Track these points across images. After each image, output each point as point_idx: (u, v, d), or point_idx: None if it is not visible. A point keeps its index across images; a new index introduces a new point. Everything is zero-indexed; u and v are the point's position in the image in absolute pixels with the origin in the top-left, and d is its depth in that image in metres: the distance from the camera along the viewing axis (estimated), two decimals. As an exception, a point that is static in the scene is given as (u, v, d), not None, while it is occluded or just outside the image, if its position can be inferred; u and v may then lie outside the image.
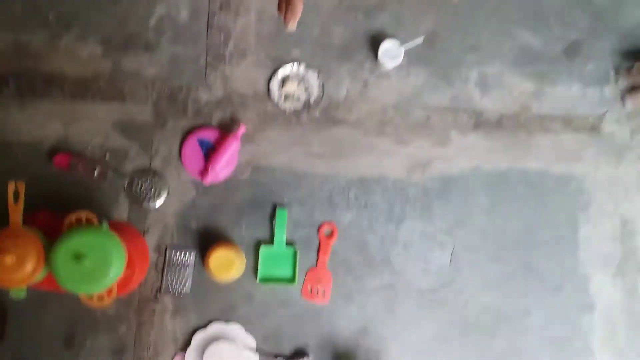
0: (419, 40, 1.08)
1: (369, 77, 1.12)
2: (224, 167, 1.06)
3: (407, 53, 1.09)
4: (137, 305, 1.05)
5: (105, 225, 0.91)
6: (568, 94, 1.12)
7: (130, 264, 0.94)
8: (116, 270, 0.88)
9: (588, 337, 1.06)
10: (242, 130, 1.06)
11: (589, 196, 1.09)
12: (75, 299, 0.91)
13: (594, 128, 1.11)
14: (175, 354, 1.04)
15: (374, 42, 1.12)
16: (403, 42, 1.08)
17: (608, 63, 1.13)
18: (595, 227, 1.09)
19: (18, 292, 0.93)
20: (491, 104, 1.12)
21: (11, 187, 0.94)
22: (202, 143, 1.07)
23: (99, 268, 0.87)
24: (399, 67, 1.12)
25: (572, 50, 1.13)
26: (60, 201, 1.06)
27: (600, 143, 1.11)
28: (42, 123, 1.09)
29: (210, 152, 1.07)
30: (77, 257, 0.86)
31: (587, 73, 1.12)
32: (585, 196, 1.09)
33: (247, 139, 1.09)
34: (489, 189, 1.10)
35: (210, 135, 1.08)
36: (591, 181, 1.10)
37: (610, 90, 1.12)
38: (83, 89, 1.10)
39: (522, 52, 1.13)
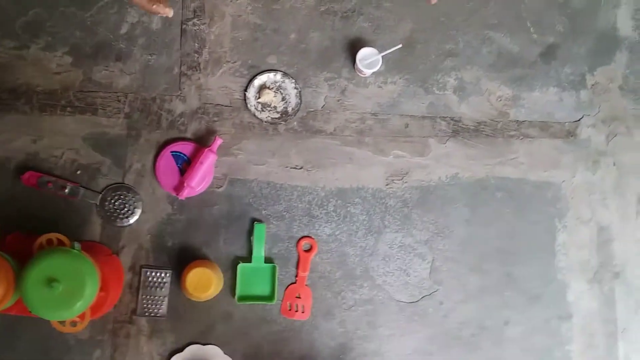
0: (397, 47, 1.06)
1: (347, 84, 1.09)
2: (200, 181, 1.03)
3: (385, 59, 1.07)
4: (111, 328, 1.02)
5: (77, 246, 0.88)
6: (545, 99, 1.12)
7: (104, 286, 0.91)
8: (89, 295, 0.85)
9: (567, 346, 1.07)
10: (218, 142, 1.03)
11: (567, 203, 1.10)
12: (47, 323, 0.87)
13: (570, 133, 1.11)
14: (152, 377, 1.02)
15: (352, 49, 1.09)
16: (381, 48, 1.06)
17: (584, 67, 1.12)
18: (572, 234, 1.09)
19: (-13, 319, 0.90)
20: (469, 110, 1.11)
21: (-23, 209, 0.91)
22: (177, 157, 1.04)
23: (72, 293, 0.84)
24: (377, 74, 1.10)
25: (549, 54, 1.12)
26: (29, 222, 1.02)
27: (577, 149, 1.11)
28: (9, 138, 1.04)
29: (185, 165, 1.04)
30: (49, 281, 0.83)
31: (563, 77, 1.12)
32: (563, 203, 1.10)
33: (223, 151, 1.06)
34: (468, 198, 1.09)
35: (185, 148, 1.04)
36: (568, 188, 1.10)
37: (586, 95, 1.12)
38: (52, 101, 1.05)
39: (499, 57, 1.12)
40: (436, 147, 1.10)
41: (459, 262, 1.08)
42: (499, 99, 1.12)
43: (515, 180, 1.10)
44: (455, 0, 1.12)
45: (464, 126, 1.10)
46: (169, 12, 0.86)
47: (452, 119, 1.10)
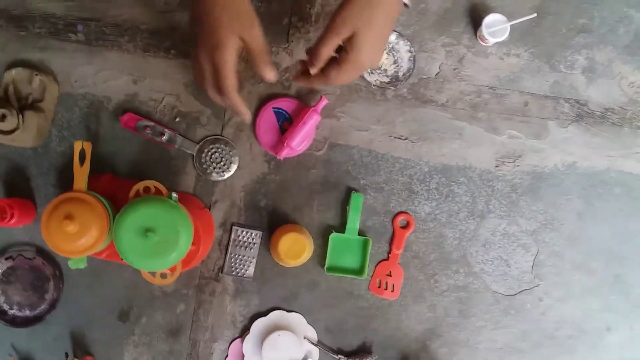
0: (531, 16, 0.96)
1: (466, 53, 1.00)
2: (300, 142, 0.97)
3: (511, 29, 0.96)
4: (197, 283, 0.99)
5: (174, 197, 0.84)
6: (684, 91, 1.00)
7: (195, 240, 0.88)
8: (183, 247, 0.82)
9: (673, 363, 0.98)
10: (323, 103, 0.97)
11: (693, 208, 0.99)
12: (135, 272, 0.85)
13: None
14: (232, 340, 0.99)
15: (475, 13, 1.00)
16: (508, 15, 0.96)
17: None
18: (695, 242, 0.99)
19: (77, 261, 0.87)
20: (597, 94, 1.00)
21: (77, 147, 0.88)
22: (278, 114, 0.98)
23: (166, 244, 0.81)
24: (500, 45, 1.00)
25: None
26: (124, 165, 0.99)
27: None
28: (110, 76, 1.00)
29: (286, 124, 0.98)
30: (144, 230, 0.80)
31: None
32: (689, 208, 0.99)
33: (326, 112, 0.99)
34: (584, 190, 1.00)
35: (288, 105, 0.98)
36: (697, 192, 0.99)
37: None
38: (156, 41, 1.00)
39: (636, 39, 1.00)
40: (556, 130, 1.00)
41: (564, 258, 0.99)
42: (631, 85, 1.00)
43: (638, 177, 1.00)
44: (596, -29, 1.00)
45: (589, 111, 1.00)
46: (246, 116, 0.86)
47: (576, 102, 1.00)
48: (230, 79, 0.79)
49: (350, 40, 0.78)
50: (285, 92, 1.00)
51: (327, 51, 0.80)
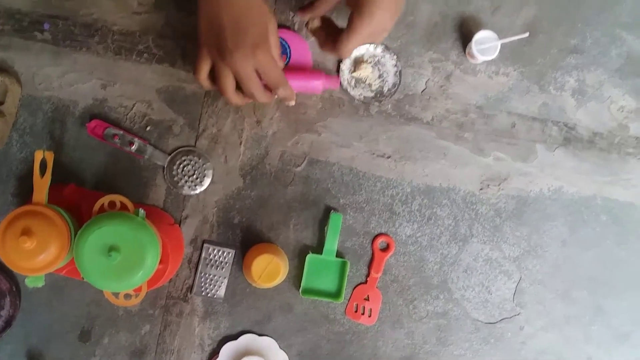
0: (523, 35, 0.92)
1: (454, 70, 0.96)
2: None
3: (501, 47, 0.93)
4: (164, 304, 0.94)
5: (142, 214, 0.79)
6: (675, 118, 0.97)
7: (163, 259, 0.82)
8: (149, 267, 0.77)
9: (653, 397, 0.96)
10: (333, 84, 0.92)
11: (679, 239, 0.97)
12: (97, 289, 0.79)
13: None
14: (201, 364, 0.94)
15: (464, 29, 0.96)
16: (499, 33, 0.93)
17: None
18: (680, 274, 0.97)
19: (35, 279, 0.82)
20: (586, 118, 0.97)
21: (38, 157, 0.81)
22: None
23: (131, 264, 0.75)
24: (489, 63, 0.96)
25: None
26: (89, 175, 0.93)
27: None
28: (77, 79, 0.94)
29: (284, 57, 0.93)
30: (107, 249, 0.75)
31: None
32: (675, 239, 0.97)
33: (306, 126, 0.95)
34: (569, 217, 0.97)
35: (290, 39, 0.94)
36: (685, 222, 0.97)
37: None
38: (129, 44, 0.94)
39: (628, 62, 0.97)
40: (543, 154, 0.97)
41: (546, 286, 0.96)
42: (621, 110, 0.98)
43: (625, 204, 0.97)
44: (590, -11, 0.97)
45: (577, 135, 0.97)
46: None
47: (565, 125, 0.97)
48: (281, 71, 0.80)
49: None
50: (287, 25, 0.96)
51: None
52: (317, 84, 0.90)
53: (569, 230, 0.97)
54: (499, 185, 0.96)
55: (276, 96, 0.84)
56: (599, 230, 0.97)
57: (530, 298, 0.96)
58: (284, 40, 0.94)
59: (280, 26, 0.95)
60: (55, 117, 0.93)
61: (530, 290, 0.96)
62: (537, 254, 0.96)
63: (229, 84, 0.79)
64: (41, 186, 0.81)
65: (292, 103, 0.89)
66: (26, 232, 0.76)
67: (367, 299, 0.94)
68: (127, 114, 0.94)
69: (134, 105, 0.94)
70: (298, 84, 0.90)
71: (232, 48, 0.74)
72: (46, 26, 0.93)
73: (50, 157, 0.82)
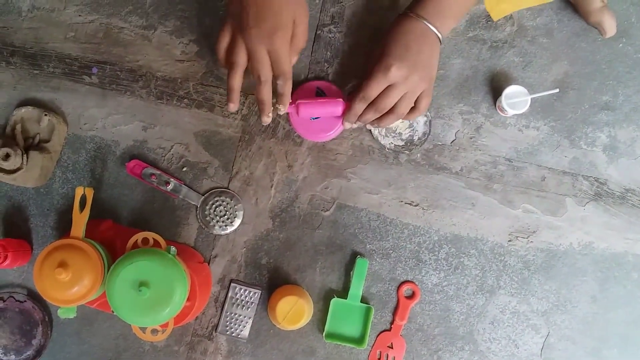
0: (553, 91, 0.93)
1: (484, 122, 0.98)
2: (310, 112, 0.91)
3: (531, 101, 0.94)
4: (189, 340, 0.95)
5: (173, 251, 0.81)
6: None
7: (191, 296, 0.85)
8: (177, 304, 0.79)
9: None
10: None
11: None
12: (125, 323, 0.81)
13: None
14: (222, 403, 0.95)
15: (495, 83, 0.98)
16: (529, 88, 0.94)
17: None
18: None
19: (67, 311, 0.84)
20: (618, 173, 0.97)
21: (79, 193, 0.86)
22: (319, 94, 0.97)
23: (160, 300, 0.78)
24: (519, 116, 0.98)
25: None
26: (125, 212, 0.97)
27: None
28: (120, 121, 0.99)
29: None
30: (138, 284, 0.77)
31: None
32: None
33: (336, 172, 0.97)
34: (599, 273, 0.95)
35: (328, 88, 0.97)
36: None
37: None
38: (170, 90, 0.99)
39: (661, 118, 0.98)
40: (573, 208, 0.96)
41: (576, 343, 0.94)
42: (654, 166, 0.98)
43: (657, 263, 0.96)
44: (622, 49, 0.98)
45: (608, 190, 0.97)
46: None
47: (596, 180, 0.97)
48: (290, 64, 0.81)
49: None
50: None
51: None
52: (338, 104, 0.91)
53: (599, 286, 0.95)
54: (527, 237, 0.96)
55: (278, 107, 0.87)
56: (630, 288, 0.95)
57: (558, 354, 0.94)
58: (320, 89, 0.97)
59: (316, 78, 0.99)
60: (97, 156, 0.98)
61: (559, 345, 0.94)
62: (566, 309, 0.95)
63: (240, 59, 0.82)
64: (80, 221, 0.85)
65: (282, 111, 0.87)
66: (62, 265, 0.80)
67: (391, 347, 0.94)
68: (165, 155, 0.98)
69: (172, 147, 0.98)
70: (319, 104, 0.91)
71: (252, 25, 0.77)
72: (94, 70, 0.99)
73: (90, 193, 0.86)
